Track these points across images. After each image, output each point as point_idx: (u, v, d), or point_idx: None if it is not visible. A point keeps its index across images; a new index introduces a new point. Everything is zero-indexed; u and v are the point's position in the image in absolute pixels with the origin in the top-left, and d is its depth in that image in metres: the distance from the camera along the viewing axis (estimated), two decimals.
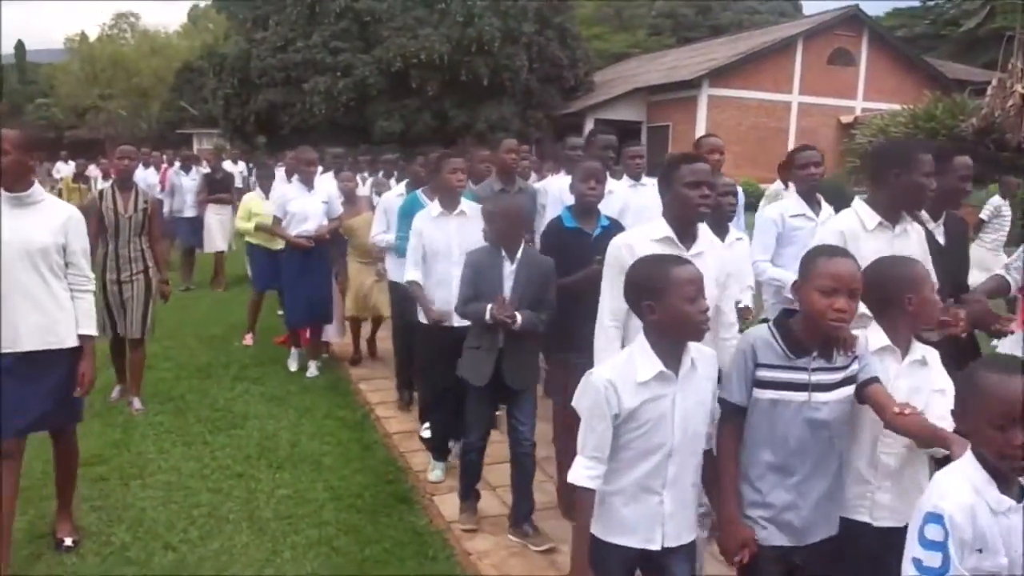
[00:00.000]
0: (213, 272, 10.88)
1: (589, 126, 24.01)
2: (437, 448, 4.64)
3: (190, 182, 11.02)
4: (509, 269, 3.73)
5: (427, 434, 5.06)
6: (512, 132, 23.46)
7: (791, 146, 22.59)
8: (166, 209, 10.21)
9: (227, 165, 13.55)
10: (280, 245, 6.83)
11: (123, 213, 5.44)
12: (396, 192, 5.99)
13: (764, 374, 2.37)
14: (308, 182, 6.52)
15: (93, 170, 14.42)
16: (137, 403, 5.59)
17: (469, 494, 4.03)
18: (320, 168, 10.18)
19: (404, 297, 5.04)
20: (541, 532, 3.80)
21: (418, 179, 5.68)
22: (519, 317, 3.61)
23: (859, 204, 3.24)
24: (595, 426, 2.30)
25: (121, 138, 36.53)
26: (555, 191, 4.99)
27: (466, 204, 4.48)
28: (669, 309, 2.26)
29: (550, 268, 3.76)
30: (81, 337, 3.52)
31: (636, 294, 2.36)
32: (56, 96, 51.04)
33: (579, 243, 3.77)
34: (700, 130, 22.23)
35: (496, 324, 3.64)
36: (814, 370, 2.35)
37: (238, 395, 6.00)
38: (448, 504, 4.23)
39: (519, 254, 3.76)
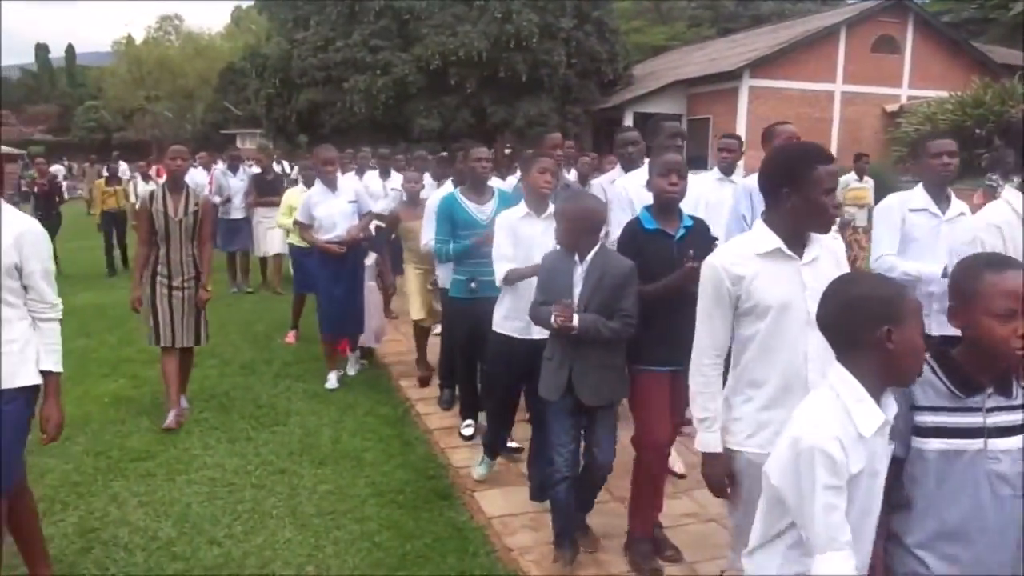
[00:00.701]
0: (262, 277, 10.76)
1: (628, 120, 23.87)
2: (491, 447, 4.49)
3: (238, 183, 10.66)
4: (579, 271, 3.41)
5: (468, 431, 5.03)
6: (551, 128, 23.49)
7: (835, 137, 22.24)
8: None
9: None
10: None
11: (173, 216, 5.19)
12: (443, 191, 5.60)
13: (926, 419, 1.94)
14: (330, 183, 6.12)
15: (125, 171, 14.29)
16: (183, 401, 5.51)
17: (564, 540, 3.53)
18: (356, 167, 9.78)
19: (457, 309, 4.86)
20: (588, 533, 3.77)
21: (463, 177, 5.43)
22: (576, 320, 3.26)
23: (1010, 193, 3.00)
24: (835, 504, 1.74)
25: (167, 139, 37.27)
26: (616, 189, 4.65)
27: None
28: (911, 339, 1.80)
29: (628, 271, 3.36)
30: (44, 374, 3.02)
31: (869, 317, 1.80)
32: (104, 98, 52.20)
33: (660, 246, 3.40)
34: (741, 122, 21.97)
35: (560, 331, 3.34)
36: (990, 410, 1.93)
37: (281, 392, 6.07)
38: (489, 500, 4.23)
39: (590, 255, 3.41)
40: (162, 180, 12.76)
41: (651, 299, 3.35)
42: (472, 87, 23.40)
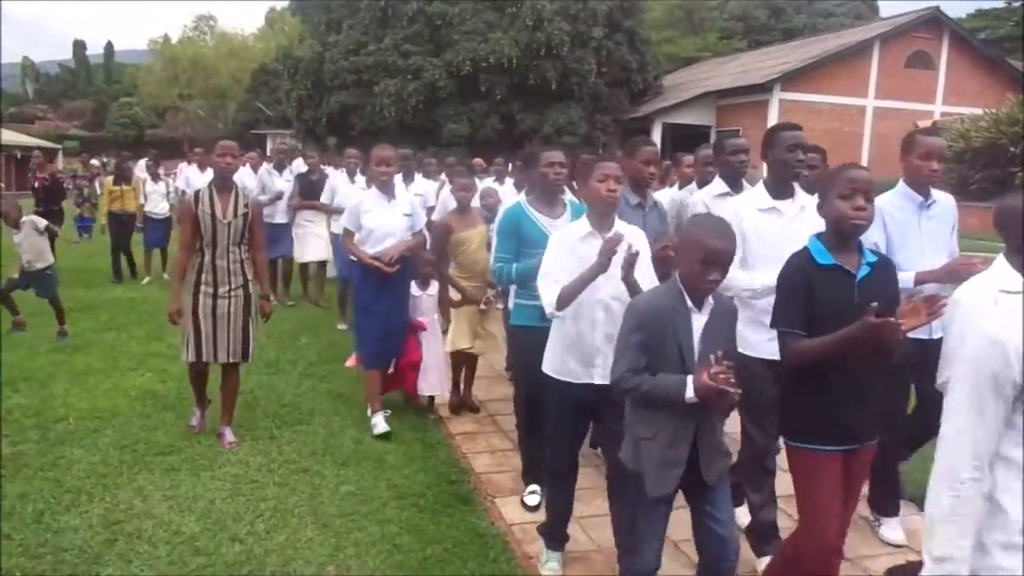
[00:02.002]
0: (302, 287, 9.90)
1: (657, 130, 23.86)
2: (553, 535, 3.67)
3: (284, 183, 9.51)
4: (698, 321, 2.67)
5: (533, 500, 4.24)
6: (580, 136, 23.55)
7: (866, 151, 22.06)
8: None
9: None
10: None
11: (221, 218, 4.70)
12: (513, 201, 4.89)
13: None
14: (387, 189, 5.24)
15: (139, 170, 12.52)
16: (229, 435, 4.94)
17: None
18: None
19: (529, 346, 3.85)
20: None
21: (533, 185, 4.80)
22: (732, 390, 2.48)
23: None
24: None
25: (199, 137, 37.69)
26: (693, 203, 4.16)
27: (622, 225, 3.40)
28: None
29: (734, 314, 2.84)
30: None
31: None
32: (139, 96, 52.93)
33: (838, 288, 2.66)
34: None
35: (713, 404, 2.57)
36: None
37: (305, 392, 6.11)
38: (509, 507, 4.23)
39: (710, 301, 2.71)
40: (176, 178, 12.27)
41: (822, 357, 2.65)
42: (501, 94, 23.48)
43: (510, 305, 4.47)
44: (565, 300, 3.21)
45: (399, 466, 4.72)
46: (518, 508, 4.23)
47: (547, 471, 3.70)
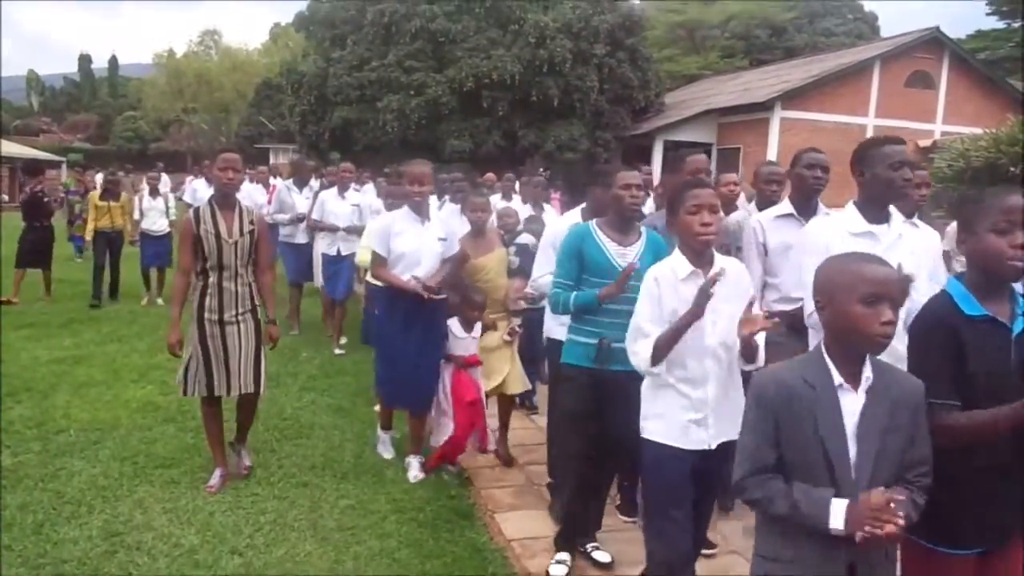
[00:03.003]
0: (322, 317, 8.62)
1: (659, 148, 23.95)
2: None
3: (304, 201, 8.65)
4: (853, 404, 1.96)
5: (560, 571, 3.67)
6: (581, 152, 23.64)
7: None
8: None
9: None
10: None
11: (227, 238, 4.28)
12: (568, 220, 4.37)
13: None
14: (421, 210, 4.68)
15: (162, 185, 11.98)
16: (245, 458, 4.72)
17: None
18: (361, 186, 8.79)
19: (583, 391, 3.53)
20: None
21: (600, 208, 4.06)
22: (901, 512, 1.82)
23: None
24: None
25: (203, 150, 37.84)
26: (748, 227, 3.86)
27: (724, 260, 2.96)
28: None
29: (918, 394, 2.03)
30: None
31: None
32: (143, 109, 53.18)
33: (992, 345, 2.12)
34: (772, 153, 21.90)
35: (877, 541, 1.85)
36: None
37: (305, 405, 6.12)
38: (509, 522, 4.24)
39: (869, 375, 1.99)
40: (169, 193, 11.58)
41: (978, 438, 2.08)
42: (504, 110, 23.58)
43: (553, 334, 4.18)
44: (661, 352, 2.81)
45: (399, 480, 4.72)
46: (518, 523, 4.24)
47: (655, 562, 3.03)
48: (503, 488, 4.73)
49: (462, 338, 4.83)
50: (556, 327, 4.16)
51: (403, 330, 4.63)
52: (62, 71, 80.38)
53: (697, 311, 2.73)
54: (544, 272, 4.25)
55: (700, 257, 2.89)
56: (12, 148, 32.16)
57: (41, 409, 5.70)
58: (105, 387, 6.32)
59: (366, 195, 9.02)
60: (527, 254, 5.33)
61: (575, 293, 3.51)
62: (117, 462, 4.79)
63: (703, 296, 2.73)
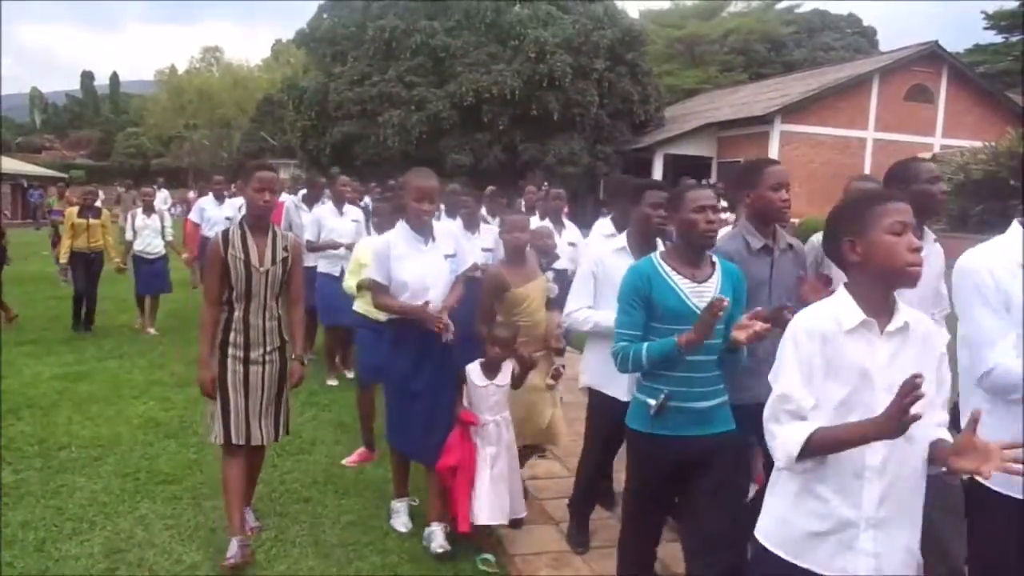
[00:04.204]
0: (327, 353, 7.52)
1: (659, 161, 24.02)
2: None
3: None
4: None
5: None
6: (581, 167, 23.73)
7: None
8: None
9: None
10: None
11: (258, 266, 3.74)
12: (614, 245, 3.80)
13: None
14: (425, 230, 3.97)
15: (160, 202, 11.05)
16: (251, 519, 4.15)
17: None
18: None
19: (656, 465, 2.96)
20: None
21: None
22: None
23: None
24: None
25: (204, 166, 37.90)
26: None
27: (910, 313, 2.06)
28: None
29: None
30: None
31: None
32: (145, 126, 53.44)
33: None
34: None
35: None
36: None
37: (307, 420, 6.11)
38: (512, 538, 4.22)
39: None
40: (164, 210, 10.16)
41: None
42: (504, 124, 23.72)
43: (615, 393, 3.58)
44: (825, 448, 1.94)
45: None
46: (520, 540, 4.22)
47: None
48: None
49: (482, 386, 3.92)
50: (598, 375, 3.67)
51: (415, 371, 3.94)
52: (65, 88, 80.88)
53: (896, 427, 1.80)
54: (581, 305, 3.74)
55: (879, 306, 2.00)
56: (14, 165, 32.30)
57: (43, 426, 5.70)
58: (107, 403, 6.32)
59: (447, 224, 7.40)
60: (566, 282, 4.50)
61: (647, 344, 2.87)
62: (119, 478, 4.78)
63: (707, 324, 2.61)
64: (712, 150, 24.90)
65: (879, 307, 2.00)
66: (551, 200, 7.03)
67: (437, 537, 3.94)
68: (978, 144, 19.44)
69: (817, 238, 3.74)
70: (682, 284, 2.90)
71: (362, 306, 5.14)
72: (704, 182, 3.90)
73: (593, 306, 3.71)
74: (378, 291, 3.98)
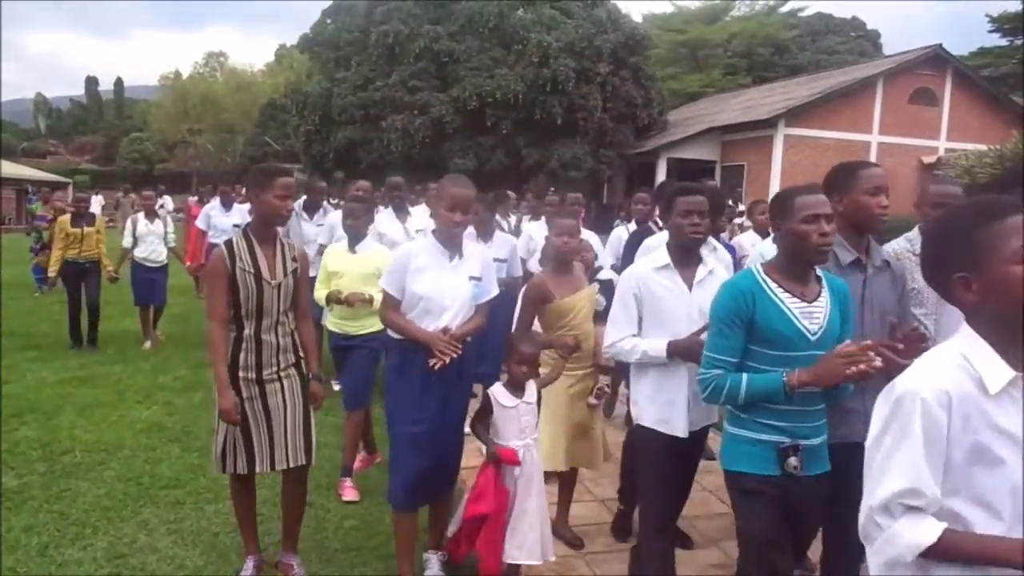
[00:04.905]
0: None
1: (662, 165, 24.02)
2: None
3: (315, 229, 7.07)
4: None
5: None
6: (585, 171, 23.73)
7: None
8: None
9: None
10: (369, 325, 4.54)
11: (269, 279, 3.44)
12: (655, 263, 3.36)
13: None
14: (453, 243, 3.55)
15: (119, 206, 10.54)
16: (296, 566, 3.72)
17: None
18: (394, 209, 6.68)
19: (744, 489, 2.62)
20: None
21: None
22: None
23: None
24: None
25: (208, 171, 37.92)
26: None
27: None
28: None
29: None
30: None
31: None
32: (149, 131, 53.55)
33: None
34: (776, 170, 21.95)
35: None
36: None
37: None
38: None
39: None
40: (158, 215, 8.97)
41: None
42: (508, 128, 23.73)
43: (676, 431, 3.19)
44: (956, 558, 1.55)
45: None
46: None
47: None
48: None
49: (511, 407, 3.49)
50: (655, 411, 3.25)
51: (419, 401, 3.50)
52: (69, 93, 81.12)
53: None
54: (624, 333, 3.28)
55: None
56: (17, 170, 32.39)
57: (46, 430, 5.69)
58: (110, 408, 6.32)
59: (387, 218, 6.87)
60: (612, 293, 4.02)
61: (748, 377, 2.53)
62: (122, 483, 4.77)
63: (833, 372, 2.35)
64: (716, 154, 24.88)
65: (1012, 357, 1.56)
66: (569, 206, 6.57)
67: (432, 566, 3.74)
68: (983, 147, 19.40)
69: (898, 245, 3.33)
70: (790, 303, 2.54)
71: (334, 322, 4.88)
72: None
73: (638, 333, 3.27)
74: (388, 304, 3.58)
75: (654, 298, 3.23)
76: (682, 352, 3.09)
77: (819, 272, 2.64)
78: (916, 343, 2.45)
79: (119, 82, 70.37)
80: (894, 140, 23.06)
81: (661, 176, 23.84)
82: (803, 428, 2.53)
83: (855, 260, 2.85)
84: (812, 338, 2.51)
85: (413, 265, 3.50)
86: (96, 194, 21.42)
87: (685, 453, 3.26)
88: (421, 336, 3.42)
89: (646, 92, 26.17)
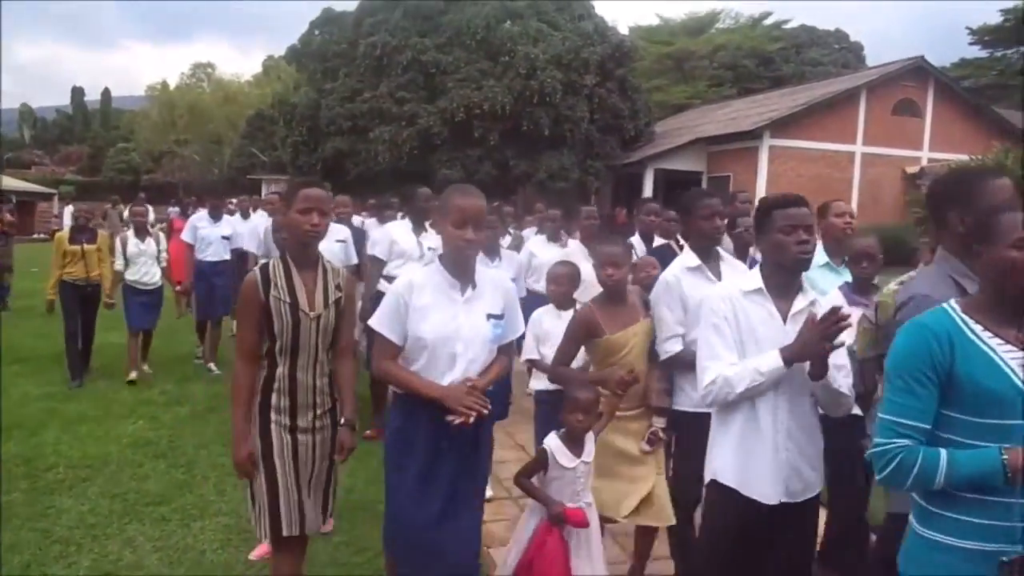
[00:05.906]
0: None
1: (649, 176, 24.12)
2: None
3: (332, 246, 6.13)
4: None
5: None
6: (572, 182, 23.80)
7: (855, 197, 22.30)
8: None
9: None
10: None
11: (307, 310, 2.93)
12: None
13: None
14: (465, 270, 2.92)
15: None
16: None
17: None
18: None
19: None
20: None
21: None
22: None
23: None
24: None
25: (195, 182, 37.68)
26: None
27: None
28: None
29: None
30: None
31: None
32: (136, 141, 53.32)
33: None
34: (761, 180, 22.08)
35: None
36: None
37: None
38: (503, 556, 4.20)
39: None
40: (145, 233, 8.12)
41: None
42: (495, 140, 23.78)
43: (761, 495, 2.61)
44: None
45: None
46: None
47: None
48: (497, 522, 4.69)
49: (570, 467, 3.07)
50: (737, 468, 2.66)
51: (428, 470, 2.87)
52: (55, 104, 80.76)
53: None
54: (728, 361, 2.63)
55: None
56: (5, 181, 32.15)
57: (30, 446, 5.65)
58: (95, 423, 6.27)
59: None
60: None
61: (949, 454, 1.87)
62: (107, 499, 4.74)
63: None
64: (702, 165, 25.00)
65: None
66: (584, 220, 6.14)
67: None
68: (965, 157, 19.59)
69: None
70: (1005, 353, 1.89)
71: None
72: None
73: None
74: (383, 353, 2.92)
75: (750, 327, 2.64)
76: (802, 352, 2.47)
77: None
78: None
79: (106, 92, 70.13)
80: (878, 151, 23.24)
81: (648, 187, 23.93)
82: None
83: None
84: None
85: (416, 302, 2.85)
86: (68, 204, 20.02)
87: (769, 529, 2.57)
88: (433, 392, 2.78)
89: (632, 104, 26.29)
